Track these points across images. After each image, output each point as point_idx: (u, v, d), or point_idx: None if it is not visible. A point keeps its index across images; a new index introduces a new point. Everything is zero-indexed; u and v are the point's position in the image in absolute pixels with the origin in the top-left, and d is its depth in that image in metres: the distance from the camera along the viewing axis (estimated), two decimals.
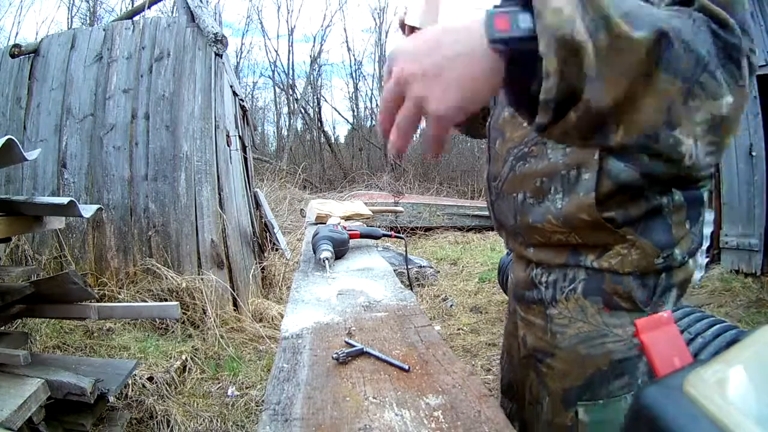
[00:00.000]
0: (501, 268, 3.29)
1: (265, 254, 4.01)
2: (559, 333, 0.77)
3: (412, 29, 0.84)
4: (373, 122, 15.80)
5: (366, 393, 0.63)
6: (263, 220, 4.28)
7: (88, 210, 1.75)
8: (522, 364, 0.90)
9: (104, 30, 3.52)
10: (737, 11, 0.49)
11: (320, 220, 2.05)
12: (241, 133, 4.02)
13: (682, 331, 1.51)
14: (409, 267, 3.64)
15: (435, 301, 4.04)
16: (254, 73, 17.86)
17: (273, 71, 15.24)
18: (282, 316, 1.21)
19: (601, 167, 0.67)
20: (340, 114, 20.23)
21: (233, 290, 3.26)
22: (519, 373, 0.93)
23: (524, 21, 0.40)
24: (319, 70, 15.37)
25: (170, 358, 2.51)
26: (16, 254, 3.04)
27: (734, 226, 4.29)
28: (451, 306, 3.90)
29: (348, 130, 16.73)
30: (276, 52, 15.10)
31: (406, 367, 0.70)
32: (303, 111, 15.08)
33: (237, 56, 14.15)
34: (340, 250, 1.44)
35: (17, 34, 10.81)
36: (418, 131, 0.52)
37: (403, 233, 1.85)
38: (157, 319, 2.89)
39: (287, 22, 16.86)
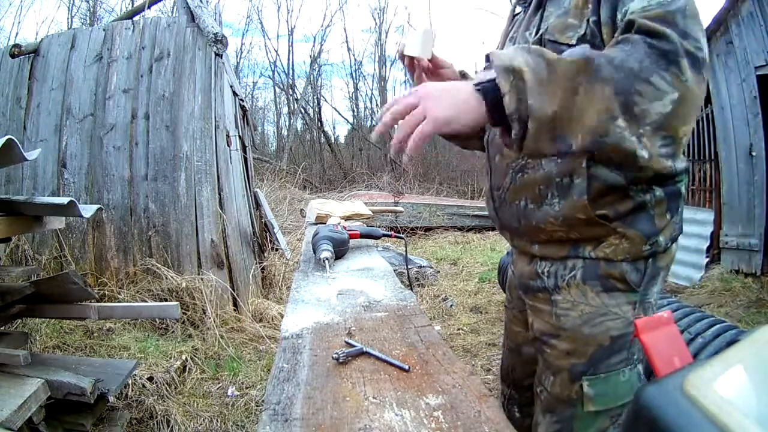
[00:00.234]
0: (501, 268, 3.29)
1: (265, 254, 4.01)
2: (563, 316, 0.86)
3: (411, 59, 0.96)
4: (374, 122, 15.81)
5: (366, 393, 0.63)
6: (263, 220, 4.28)
7: (88, 210, 1.75)
8: (528, 341, 1.01)
9: (104, 30, 3.52)
10: (677, 21, 0.63)
11: (320, 220, 2.05)
12: (241, 133, 4.02)
13: (682, 331, 1.51)
14: (409, 267, 3.64)
15: (435, 301, 4.04)
16: (254, 73, 17.82)
17: (273, 71, 15.25)
18: (282, 316, 1.21)
19: (590, 173, 0.78)
20: (340, 114, 20.18)
21: (233, 290, 3.26)
22: (523, 354, 1.06)
23: (491, 74, 0.64)
24: (319, 70, 15.38)
25: (170, 358, 2.51)
26: (16, 254, 3.04)
27: (734, 226, 4.29)
28: (451, 306, 3.90)
29: (348, 130, 16.74)
30: (276, 52, 15.10)
31: (406, 367, 0.70)
32: (303, 111, 15.08)
33: (237, 56, 14.15)
34: (340, 250, 1.44)
35: (17, 34, 10.82)
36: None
37: (403, 233, 1.85)
38: (157, 319, 2.89)
39: (287, 22, 16.82)
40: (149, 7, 4.44)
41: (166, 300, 2.88)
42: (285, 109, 15.88)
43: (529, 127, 0.61)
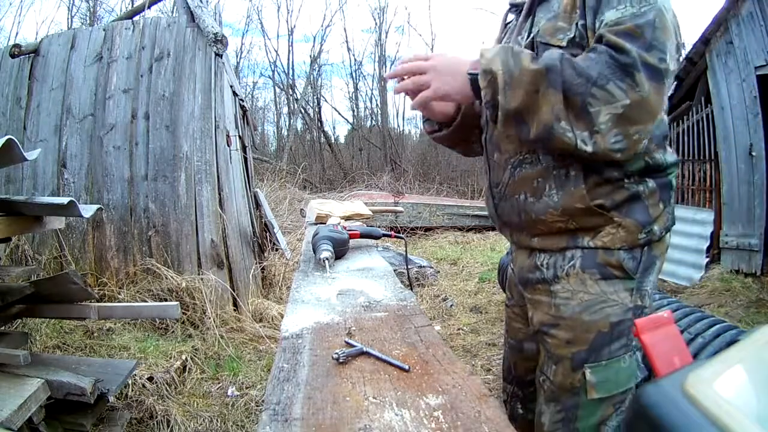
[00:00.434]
0: (501, 268, 3.29)
1: (265, 254, 4.01)
2: (562, 305, 0.89)
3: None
4: (373, 122, 15.81)
5: (366, 393, 0.63)
6: (263, 220, 4.27)
7: (88, 210, 1.74)
8: (529, 337, 1.04)
9: (104, 30, 3.52)
10: (645, 34, 0.72)
11: (320, 220, 2.05)
12: (241, 133, 4.02)
13: (682, 331, 1.51)
14: (409, 267, 3.64)
15: (435, 301, 4.04)
16: (254, 73, 17.80)
17: (273, 71, 15.23)
18: (282, 316, 1.21)
19: (585, 165, 0.84)
20: (340, 114, 20.14)
21: (233, 290, 3.25)
22: (524, 351, 1.08)
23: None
24: (319, 70, 15.36)
25: (170, 358, 2.51)
26: (16, 254, 3.04)
27: (734, 226, 4.29)
28: (451, 306, 3.90)
29: (348, 130, 16.72)
30: (276, 52, 15.08)
31: (406, 367, 0.70)
32: (303, 111, 15.07)
33: (237, 56, 14.13)
34: (340, 250, 1.44)
35: (17, 34, 10.79)
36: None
37: (403, 233, 1.85)
38: (157, 319, 2.89)
39: (287, 22, 16.81)
40: (149, 7, 4.44)
41: (166, 300, 2.87)
42: (285, 109, 15.88)
43: (498, 115, 0.78)
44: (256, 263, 3.70)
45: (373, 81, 15.85)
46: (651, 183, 0.86)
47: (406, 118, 17.42)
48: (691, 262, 4.48)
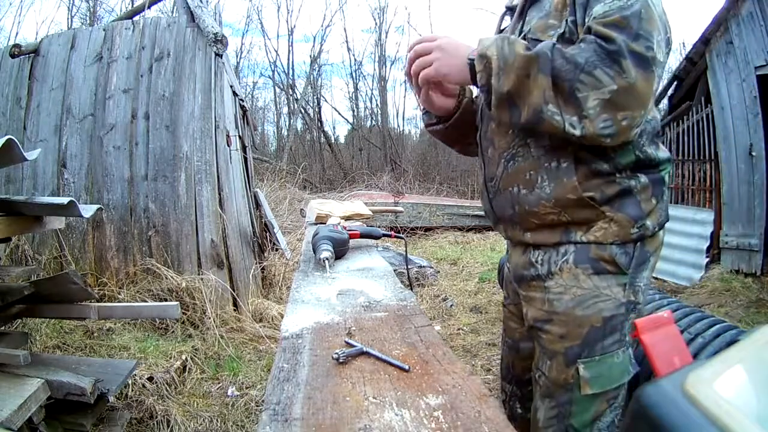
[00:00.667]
0: (501, 268, 3.28)
1: (265, 254, 4.01)
2: (555, 300, 0.91)
3: (417, 80, 1.01)
4: (373, 122, 15.80)
5: (366, 393, 0.63)
6: (263, 220, 4.27)
7: (88, 210, 1.74)
8: (525, 337, 1.05)
9: (104, 30, 3.52)
10: (632, 25, 0.74)
11: (320, 220, 2.05)
12: (241, 133, 4.02)
13: (682, 331, 1.51)
14: (409, 267, 3.64)
15: (435, 301, 4.04)
16: (254, 73, 17.79)
17: (273, 71, 15.23)
18: (282, 316, 1.21)
19: (576, 157, 0.86)
20: (340, 114, 20.13)
21: (233, 290, 3.25)
22: (520, 350, 1.09)
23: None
24: (319, 70, 15.35)
25: (170, 358, 2.51)
26: (16, 254, 3.04)
27: (734, 226, 4.29)
28: (451, 306, 3.90)
29: (348, 130, 16.71)
30: (276, 52, 15.07)
31: (406, 367, 0.70)
32: (303, 111, 15.07)
33: (237, 56, 14.13)
34: (340, 250, 1.44)
35: (17, 34, 10.78)
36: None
37: (403, 233, 1.85)
38: (157, 319, 2.89)
39: (287, 22, 16.80)
40: (149, 7, 4.43)
41: (166, 300, 2.87)
42: (285, 109, 15.87)
43: (492, 99, 0.82)
44: (256, 263, 3.70)
45: (373, 81, 15.86)
46: (643, 178, 0.87)
47: (406, 118, 17.46)
48: (691, 262, 4.49)
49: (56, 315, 2.14)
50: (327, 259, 1.28)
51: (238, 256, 3.44)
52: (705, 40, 4.49)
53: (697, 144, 4.72)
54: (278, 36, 21.74)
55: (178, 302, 2.02)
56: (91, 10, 11.14)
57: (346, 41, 16.48)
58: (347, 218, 2.11)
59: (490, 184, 1.00)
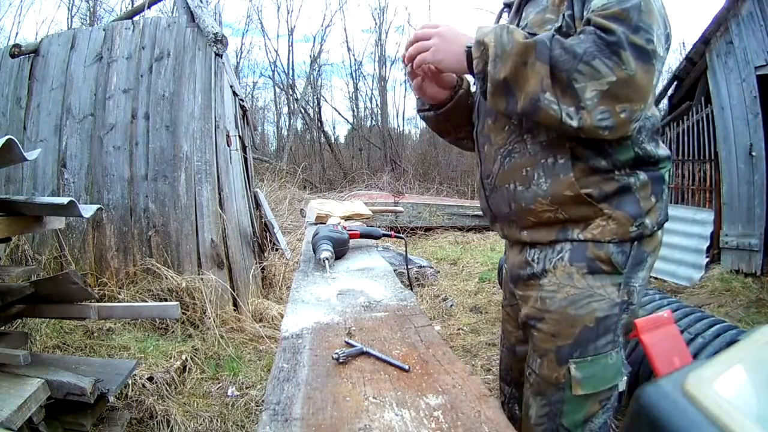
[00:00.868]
0: (501, 268, 3.29)
1: (265, 254, 4.01)
2: (548, 299, 0.89)
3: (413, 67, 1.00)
4: (373, 122, 15.79)
5: (366, 393, 0.63)
6: (263, 220, 4.27)
7: (88, 210, 1.74)
8: (520, 341, 1.04)
9: (104, 30, 3.52)
10: (631, 17, 0.73)
11: (320, 220, 2.05)
12: (241, 133, 4.01)
13: (682, 331, 1.51)
14: (409, 267, 3.64)
15: (435, 301, 4.04)
16: (254, 73, 17.80)
17: (273, 71, 15.21)
18: (282, 316, 1.21)
19: (573, 153, 0.85)
20: (340, 114, 20.11)
21: (233, 290, 3.25)
22: (517, 354, 1.07)
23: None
24: (319, 70, 15.34)
25: (170, 358, 2.51)
26: (16, 254, 3.04)
27: (734, 226, 4.29)
28: (451, 306, 3.89)
29: (348, 130, 16.70)
30: (276, 52, 15.07)
31: (406, 367, 0.70)
32: (303, 111, 15.06)
33: (237, 56, 14.12)
34: (340, 250, 1.44)
35: (17, 34, 10.78)
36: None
37: (403, 233, 1.85)
38: (157, 319, 2.89)
39: (287, 22, 16.80)
40: (149, 7, 4.43)
41: (166, 300, 2.87)
42: (285, 109, 15.86)
43: (488, 87, 0.81)
44: (256, 263, 3.70)
45: (373, 81, 15.85)
46: (642, 176, 0.86)
47: (406, 118, 17.45)
48: (691, 262, 4.48)
49: (56, 315, 2.13)
50: (327, 259, 1.28)
51: (238, 256, 3.44)
52: (705, 40, 4.49)
53: (697, 144, 4.72)
54: (278, 36, 21.81)
55: (178, 302, 2.02)
56: (91, 10, 11.14)
57: (346, 41, 16.49)
58: (347, 218, 2.11)
59: (486, 181, 0.99)
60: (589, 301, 0.85)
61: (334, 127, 17.01)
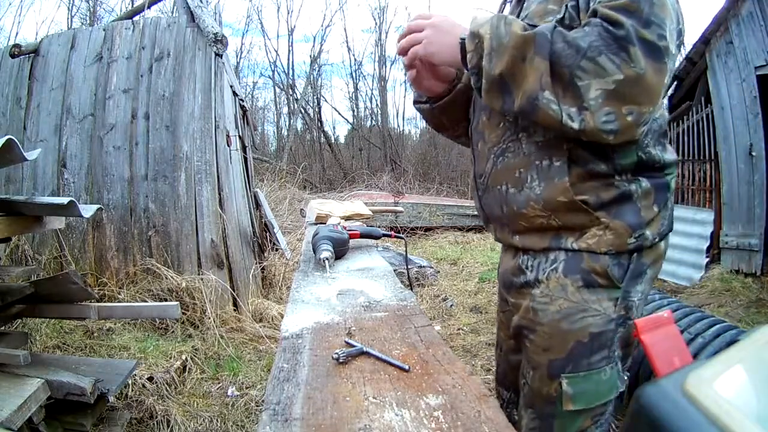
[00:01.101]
0: None
1: (265, 254, 4.01)
2: (540, 311, 0.84)
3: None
4: (373, 122, 15.79)
5: (366, 393, 0.63)
6: (263, 220, 4.27)
7: (88, 210, 1.74)
8: (512, 349, 1.00)
9: (104, 30, 3.52)
10: (642, 9, 0.67)
11: (320, 220, 2.04)
12: (241, 133, 4.02)
13: (682, 331, 1.51)
14: (409, 267, 3.64)
15: (435, 301, 4.04)
16: (254, 73, 17.81)
17: (273, 71, 15.22)
18: (282, 316, 1.21)
19: (570, 156, 0.79)
20: (340, 114, 20.14)
21: (233, 290, 3.25)
22: (510, 362, 1.04)
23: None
24: (319, 70, 15.35)
25: (170, 358, 2.51)
26: (16, 254, 3.04)
27: (734, 226, 4.29)
28: (451, 306, 3.90)
29: (348, 130, 16.70)
30: (276, 52, 15.08)
31: (406, 367, 0.70)
32: (303, 111, 15.07)
33: (237, 56, 14.13)
34: (340, 250, 1.44)
35: (17, 34, 10.78)
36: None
37: (403, 233, 1.85)
38: (157, 319, 2.89)
39: (287, 22, 16.81)
40: (149, 7, 4.43)
41: (166, 300, 2.87)
42: (285, 109, 15.86)
43: (483, 83, 0.75)
44: (256, 263, 3.70)
45: (373, 81, 15.86)
46: (645, 183, 0.79)
47: (406, 118, 17.44)
48: (691, 262, 4.49)
49: (56, 315, 2.14)
50: (327, 259, 1.28)
51: (238, 256, 3.44)
52: (705, 40, 4.49)
53: (697, 144, 4.72)
54: (278, 36, 21.84)
55: (178, 302, 2.02)
56: (91, 10, 11.14)
57: (346, 41, 16.54)
58: (347, 218, 2.11)
59: (479, 181, 0.94)
60: (584, 316, 0.80)
61: (334, 127, 17.04)
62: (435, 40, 0.82)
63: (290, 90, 15.30)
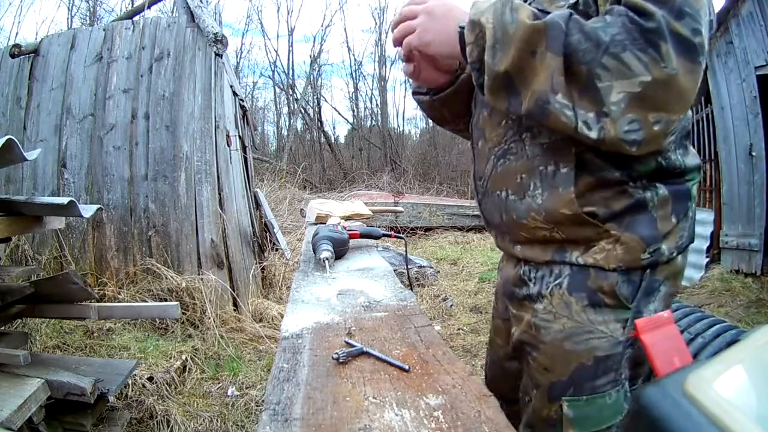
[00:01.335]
0: None
1: (265, 254, 4.01)
2: (543, 328, 0.77)
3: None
4: (373, 122, 15.81)
5: (366, 393, 0.63)
6: (263, 220, 4.27)
7: (88, 210, 1.74)
8: (509, 357, 0.92)
9: (104, 30, 3.52)
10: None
11: (320, 220, 2.04)
12: (241, 133, 4.02)
13: (682, 331, 1.51)
14: (409, 267, 3.64)
15: (435, 301, 4.04)
16: (254, 73, 17.86)
17: (273, 71, 15.24)
18: (282, 316, 1.21)
19: (579, 161, 0.69)
20: (340, 114, 20.20)
21: (233, 290, 3.25)
22: (504, 369, 0.96)
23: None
24: (319, 70, 15.37)
25: (170, 358, 2.51)
26: (16, 254, 3.04)
27: (734, 226, 4.29)
28: (451, 306, 3.90)
29: (348, 130, 16.72)
30: (276, 52, 15.10)
31: (406, 367, 0.70)
32: (303, 111, 15.08)
33: (237, 56, 14.14)
34: (340, 250, 1.43)
35: (17, 34, 10.79)
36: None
37: (403, 233, 1.85)
38: (157, 319, 2.89)
39: (287, 22, 16.86)
40: (149, 7, 4.44)
41: (166, 300, 2.88)
42: (285, 109, 15.88)
43: (485, 80, 0.65)
44: (256, 263, 3.70)
45: (373, 81, 15.88)
46: (662, 190, 0.69)
47: (406, 118, 17.49)
48: (691, 262, 4.49)
49: (56, 315, 2.14)
50: (327, 259, 1.28)
51: (238, 256, 3.44)
52: None
53: (697, 144, 4.72)
54: (278, 36, 21.89)
55: (178, 302, 2.02)
56: (91, 10, 11.15)
57: (346, 41, 16.60)
58: (347, 218, 2.11)
59: (479, 183, 0.85)
60: (589, 338, 0.72)
61: (334, 127, 17.06)
62: (430, 27, 0.71)
63: (290, 90, 15.32)
